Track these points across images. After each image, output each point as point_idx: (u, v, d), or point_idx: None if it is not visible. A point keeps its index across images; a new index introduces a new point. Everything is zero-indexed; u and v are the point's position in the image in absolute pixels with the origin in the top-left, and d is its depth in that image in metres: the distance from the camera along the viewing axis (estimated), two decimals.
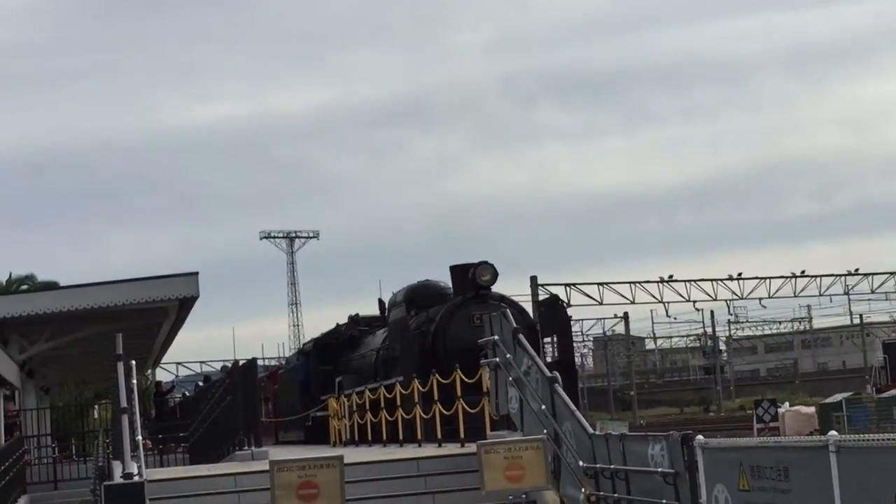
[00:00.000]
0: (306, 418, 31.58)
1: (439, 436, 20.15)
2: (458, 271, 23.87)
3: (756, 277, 69.90)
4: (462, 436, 19.15)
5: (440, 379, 19.99)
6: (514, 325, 18.20)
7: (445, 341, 22.84)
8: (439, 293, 25.15)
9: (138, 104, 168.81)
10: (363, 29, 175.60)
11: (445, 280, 25.38)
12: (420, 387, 20.86)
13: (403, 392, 21.38)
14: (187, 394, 42.83)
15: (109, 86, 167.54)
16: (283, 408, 36.55)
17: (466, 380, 19.33)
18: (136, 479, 13.08)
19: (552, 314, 22.61)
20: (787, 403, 49.93)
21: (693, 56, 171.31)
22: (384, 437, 23.06)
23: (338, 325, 33.40)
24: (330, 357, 31.72)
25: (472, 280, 23.13)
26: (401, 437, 22.21)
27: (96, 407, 48.05)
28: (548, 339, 22.44)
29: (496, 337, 18.49)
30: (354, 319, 32.49)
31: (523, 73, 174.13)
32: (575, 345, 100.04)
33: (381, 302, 30.16)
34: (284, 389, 37.25)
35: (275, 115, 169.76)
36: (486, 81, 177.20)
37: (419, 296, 25.66)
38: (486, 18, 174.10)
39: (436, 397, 20.02)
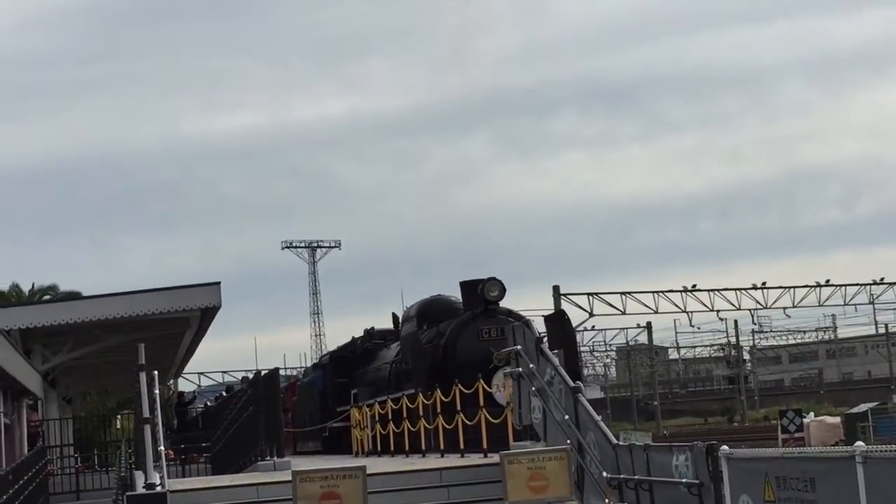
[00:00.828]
0: (324, 429, 32.08)
1: (462, 446, 20.10)
2: (467, 287, 24.44)
3: (780, 287, 69.63)
4: (485, 446, 19.08)
5: (463, 389, 20.11)
6: (537, 335, 18.13)
7: (455, 355, 23.35)
8: (450, 308, 25.59)
9: (159, 114, 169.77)
10: (383, 38, 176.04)
11: (458, 294, 25.59)
12: (443, 397, 21.04)
13: (426, 402, 21.56)
14: (209, 404, 42.87)
15: (131, 96, 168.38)
16: (300, 419, 36.82)
17: (488, 388, 19.69)
18: (159, 489, 13.07)
19: (558, 328, 22.40)
20: (811, 413, 49.66)
21: (713, 64, 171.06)
22: (406, 447, 23.01)
23: (353, 338, 34.00)
24: (346, 369, 32.33)
25: (481, 295, 23.69)
26: (423, 447, 22.17)
27: (118, 417, 48.19)
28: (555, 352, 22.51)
29: (519, 347, 18.43)
30: (370, 333, 33.03)
31: (543, 82, 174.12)
32: (598, 354, 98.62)
33: (394, 316, 30.66)
34: (302, 401, 37.69)
35: (296, 125, 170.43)
36: (505, 90, 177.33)
37: (431, 310, 26.17)
38: (507, 28, 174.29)
39: (458, 408, 20.33)
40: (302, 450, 35.47)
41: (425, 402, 21.72)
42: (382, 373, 28.69)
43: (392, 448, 24.00)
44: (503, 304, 23.93)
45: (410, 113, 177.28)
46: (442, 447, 21.11)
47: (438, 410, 21.03)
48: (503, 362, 19.60)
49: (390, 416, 24.08)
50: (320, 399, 33.79)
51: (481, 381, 19.52)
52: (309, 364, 51.62)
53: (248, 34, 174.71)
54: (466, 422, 19.89)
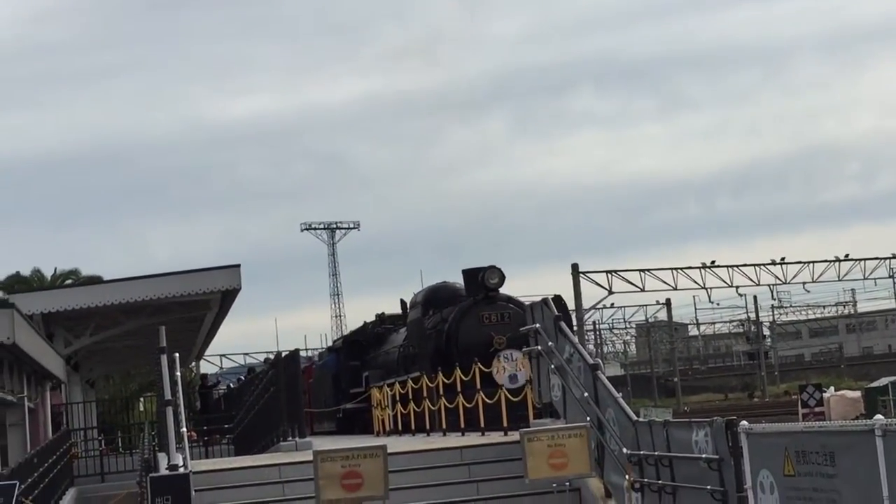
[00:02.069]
0: (338, 410, 33.11)
1: (482, 424, 20.19)
2: (469, 274, 25.49)
3: (799, 262, 69.37)
4: (505, 424, 19.17)
5: (482, 368, 20.59)
6: (556, 313, 18.17)
7: (458, 339, 24.39)
8: (454, 294, 26.62)
9: (177, 99, 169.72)
10: (398, 19, 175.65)
11: (461, 281, 26.53)
12: (445, 379, 21.87)
13: (429, 385, 22.24)
14: (232, 386, 43.13)
15: (148, 81, 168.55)
16: (316, 400, 37.43)
17: (485, 369, 20.58)
18: (182, 470, 13.18)
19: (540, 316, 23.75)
20: (832, 388, 49.47)
21: (729, 40, 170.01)
22: (427, 426, 23.11)
23: (365, 323, 35.24)
24: (358, 353, 33.42)
25: (482, 283, 24.78)
26: (444, 426, 22.28)
27: (141, 399, 48.49)
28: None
29: (538, 325, 18.48)
30: (381, 318, 34.23)
31: (559, 61, 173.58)
32: (617, 332, 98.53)
33: (402, 302, 31.61)
34: (317, 383, 38.47)
35: (313, 107, 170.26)
36: (522, 70, 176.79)
37: (436, 297, 27.32)
38: (522, 5, 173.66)
39: (458, 389, 21.27)
40: (318, 430, 35.95)
41: (429, 384, 22.77)
42: (392, 356, 29.70)
43: (413, 427, 24.17)
44: (503, 290, 24.97)
45: (427, 94, 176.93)
46: (462, 426, 21.21)
47: (441, 393, 22.07)
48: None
49: (411, 396, 24.31)
50: (334, 381, 34.83)
51: (478, 364, 20.43)
52: (328, 345, 52.11)
53: (263, 18, 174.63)
54: (487, 400, 20.02)
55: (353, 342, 34.78)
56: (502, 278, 24.96)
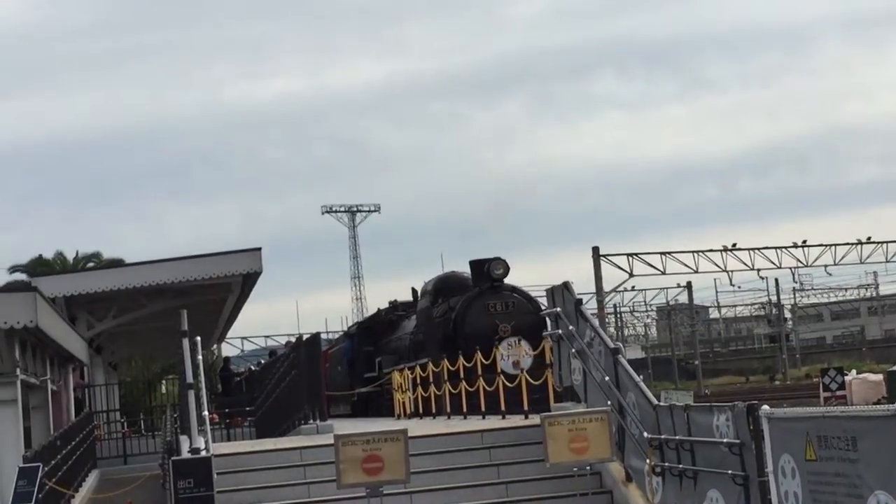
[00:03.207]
0: (353, 394, 34.69)
1: (503, 408, 20.21)
2: (476, 265, 26.79)
3: (821, 245, 69.16)
4: (526, 408, 19.18)
5: (465, 362, 21.78)
6: (577, 296, 18.16)
7: (464, 327, 25.65)
8: (462, 283, 27.77)
9: (199, 82, 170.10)
10: (419, 2, 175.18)
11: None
12: (449, 366, 22.99)
13: (435, 370, 23.15)
14: (253, 369, 43.33)
15: (170, 64, 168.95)
16: (332, 384, 38.10)
17: (485, 361, 21.17)
18: (203, 453, 13.23)
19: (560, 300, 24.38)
20: (853, 371, 49.27)
21: (751, 22, 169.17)
22: (447, 409, 23.15)
23: (379, 310, 36.79)
24: (371, 339, 34.94)
25: (488, 273, 26.08)
26: (464, 409, 22.31)
27: (163, 382, 48.68)
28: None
29: (558, 309, 18.46)
30: (394, 305, 35.72)
31: (580, 43, 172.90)
32: (638, 315, 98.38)
33: (413, 290, 32.91)
34: (333, 367, 39.15)
35: (334, 90, 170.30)
36: (541, 52, 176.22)
37: (445, 286, 28.55)
38: None
39: (461, 376, 22.26)
40: (333, 413, 36.44)
41: (434, 370, 24.00)
42: (403, 342, 30.96)
43: (434, 410, 24.25)
44: (508, 280, 26.39)
45: (447, 77, 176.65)
46: (483, 409, 21.23)
47: (445, 378, 23.36)
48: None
49: (432, 380, 24.42)
50: (349, 366, 36.22)
51: (478, 353, 21.24)
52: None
53: (285, 0, 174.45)
54: (508, 384, 20.06)
55: (367, 328, 36.19)
56: (507, 269, 26.09)
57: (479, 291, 26.11)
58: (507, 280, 26.28)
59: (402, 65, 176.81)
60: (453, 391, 22.55)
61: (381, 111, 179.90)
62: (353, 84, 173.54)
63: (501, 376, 20.22)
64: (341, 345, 39.73)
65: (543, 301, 22.92)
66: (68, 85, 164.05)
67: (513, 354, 21.07)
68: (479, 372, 21.10)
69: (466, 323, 25.65)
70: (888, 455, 8.66)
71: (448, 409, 23.11)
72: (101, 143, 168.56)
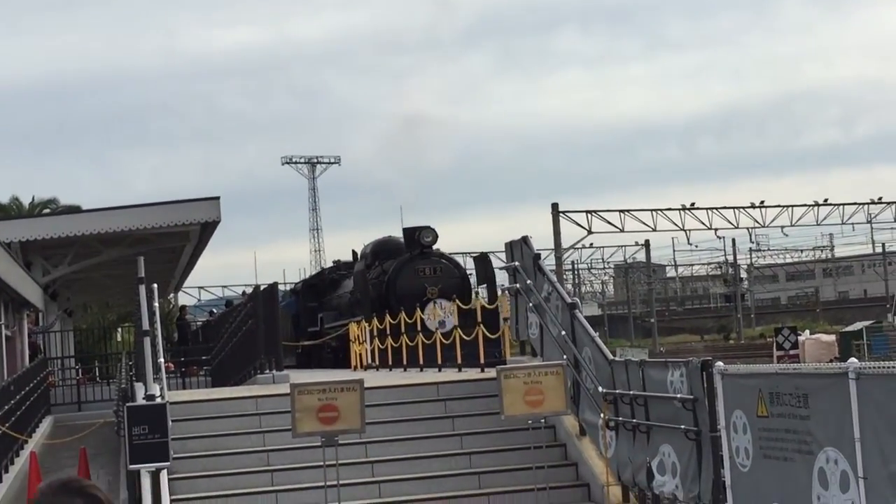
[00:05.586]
0: (296, 347, 37.13)
1: (459, 361, 20.29)
2: (408, 232, 29.30)
3: (778, 205, 69.46)
4: (481, 361, 19.26)
5: (390, 319, 22.01)
6: (535, 251, 18.20)
7: (396, 289, 28.15)
8: (397, 248, 30.14)
9: (158, 29, 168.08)
10: None
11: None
12: (378, 324, 25.26)
13: (408, 321, 23.93)
14: (215, 311, 43.41)
15: (129, 11, 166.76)
16: None
17: (407, 319, 23.72)
18: (159, 400, 13.17)
19: (483, 268, 28.74)
20: (807, 331, 49.88)
21: None
22: (405, 361, 23.23)
23: (323, 268, 40.82)
24: (315, 296, 37.70)
25: (418, 240, 28.61)
26: (421, 361, 22.39)
27: (119, 330, 48.45)
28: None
29: (517, 263, 18.51)
30: (337, 265, 38.79)
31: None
32: (595, 272, 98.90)
33: (354, 252, 35.65)
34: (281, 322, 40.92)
35: (294, 40, 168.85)
36: (506, 7, 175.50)
37: (382, 249, 30.98)
38: None
39: (388, 332, 24.38)
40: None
41: (366, 326, 26.16)
42: (343, 300, 33.94)
43: (390, 362, 24.40)
44: (436, 247, 29.09)
45: (410, 29, 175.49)
46: (440, 362, 21.30)
47: (369, 336, 25.88)
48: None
49: (389, 332, 24.55)
50: (293, 321, 38.55)
51: (404, 312, 23.58)
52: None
53: None
54: (465, 337, 20.14)
55: (311, 286, 39.19)
56: (436, 237, 28.89)
57: (409, 256, 28.60)
58: (435, 246, 29.02)
59: (364, 15, 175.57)
60: (381, 347, 24.68)
61: (342, 62, 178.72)
62: (313, 34, 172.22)
63: (438, 333, 21.62)
64: (288, 300, 41.42)
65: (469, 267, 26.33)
66: (27, 30, 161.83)
67: (437, 314, 23.94)
68: (404, 330, 23.11)
69: (398, 285, 28.12)
70: (838, 413, 8.77)
71: (405, 362, 23.21)
72: (59, 89, 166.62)
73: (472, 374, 18.70)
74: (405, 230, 29.64)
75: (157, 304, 16.30)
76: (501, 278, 24.39)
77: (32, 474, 16.81)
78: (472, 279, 31.83)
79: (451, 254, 30.77)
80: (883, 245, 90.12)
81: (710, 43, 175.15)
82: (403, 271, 28.35)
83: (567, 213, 61.75)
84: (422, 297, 26.68)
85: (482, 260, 29.94)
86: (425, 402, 16.94)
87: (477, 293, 28.41)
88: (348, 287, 33.58)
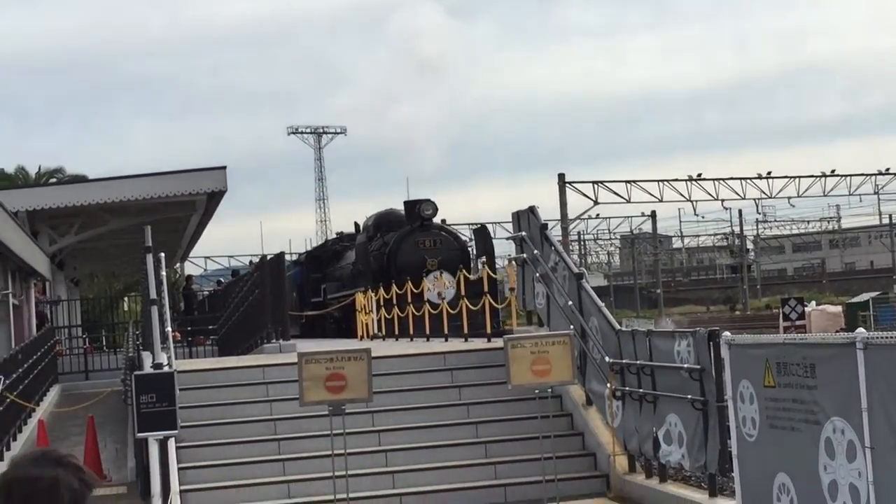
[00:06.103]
0: (300, 317, 37.32)
1: (466, 331, 20.31)
2: (409, 205, 29.83)
3: (785, 176, 69.42)
4: (488, 331, 19.28)
5: (397, 289, 21.27)
6: (542, 221, 18.19)
7: (396, 261, 28.60)
8: (399, 220, 30.55)
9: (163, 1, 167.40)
10: None
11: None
12: (384, 294, 25.55)
13: (414, 291, 24.13)
14: (223, 280, 43.51)
15: None
16: None
17: (415, 290, 23.33)
18: (166, 369, 13.21)
19: (482, 240, 29.44)
20: (813, 302, 49.84)
21: None
22: (411, 331, 23.26)
23: (326, 240, 41.29)
24: (319, 267, 38.28)
25: (418, 213, 29.10)
26: (427, 331, 22.42)
27: (125, 299, 48.56)
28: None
29: (524, 233, 18.50)
30: (340, 236, 39.41)
31: None
32: (601, 243, 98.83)
33: (356, 224, 35.96)
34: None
35: (299, 10, 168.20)
36: None
37: (384, 222, 31.44)
38: None
39: (393, 302, 24.62)
40: None
41: (372, 296, 26.40)
42: (346, 272, 34.54)
43: (396, 332, 24.45)
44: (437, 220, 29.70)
45: None
46: (446, 331, 21.33)
47: (375, 306, 26.25)
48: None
49: (395, 302, 24.60)
50: (298, 291, 38.94)
51: (409, 283, 23.71)
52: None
53: None
54: (471, 307, 20.16)
55: (315, 257, 39.80)
56: (436, 210, 29.37)
57: (410, 229, 29.12)
58: (435, 219, 29.63)
59: None
60: (388, 317, 24.91)
61: (347, 31, 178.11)
62: (318, 4, 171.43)
63: (445, 303, 21.66)
64: (292, 271, 41.68)
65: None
66: (33, 1, 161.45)
67: (437, 286, 24.14)
68: (409, 300, 23.36)
69: (398, 257, 28.63)
70: (845, 382, 8.77)
71: (411, 331, 23.26)
72: (67, 60, 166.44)
73: (478, 343, 18.72)
74: (406, 203, 30.20)
75: (164, 274, 16.31)
76: (501, 250, 24.81)
77: (40, 442, 16.89)
78: (472, 251, 32.39)
79: (455, 225, 32.04)
80: (890, 216, 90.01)
81: (718, 14, 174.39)
82: (404, 243, 28.89)
83: (573, 184, 61.74)
84: (422, 268, 27.28)
85: (481, 232, 30.50)
86: (432, 372, 16.97)
87: (483, 263, 28.70)
88: (351, 259, 34.11)
